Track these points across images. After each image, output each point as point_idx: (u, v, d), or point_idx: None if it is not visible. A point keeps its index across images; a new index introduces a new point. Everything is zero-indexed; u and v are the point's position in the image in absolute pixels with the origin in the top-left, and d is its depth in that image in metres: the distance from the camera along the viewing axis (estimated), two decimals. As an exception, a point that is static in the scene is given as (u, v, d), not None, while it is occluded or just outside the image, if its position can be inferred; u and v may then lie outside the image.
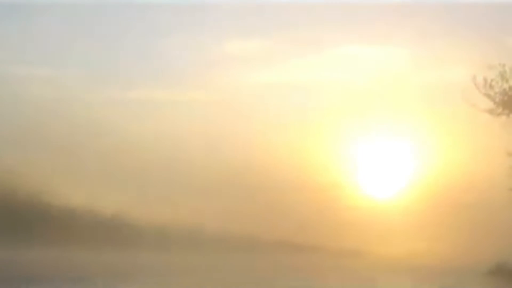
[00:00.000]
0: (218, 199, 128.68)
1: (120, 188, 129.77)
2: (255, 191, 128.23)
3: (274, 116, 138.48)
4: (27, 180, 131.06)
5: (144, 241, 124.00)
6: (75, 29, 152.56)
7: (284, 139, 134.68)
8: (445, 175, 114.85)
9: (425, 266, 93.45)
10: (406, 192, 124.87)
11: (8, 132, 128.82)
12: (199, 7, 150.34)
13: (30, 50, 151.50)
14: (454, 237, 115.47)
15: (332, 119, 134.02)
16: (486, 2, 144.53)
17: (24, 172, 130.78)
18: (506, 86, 58.43)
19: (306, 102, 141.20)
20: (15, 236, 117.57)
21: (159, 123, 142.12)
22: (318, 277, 71.32)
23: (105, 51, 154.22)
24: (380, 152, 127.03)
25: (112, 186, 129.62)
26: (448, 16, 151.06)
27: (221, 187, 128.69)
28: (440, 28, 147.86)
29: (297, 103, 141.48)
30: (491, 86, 59.10)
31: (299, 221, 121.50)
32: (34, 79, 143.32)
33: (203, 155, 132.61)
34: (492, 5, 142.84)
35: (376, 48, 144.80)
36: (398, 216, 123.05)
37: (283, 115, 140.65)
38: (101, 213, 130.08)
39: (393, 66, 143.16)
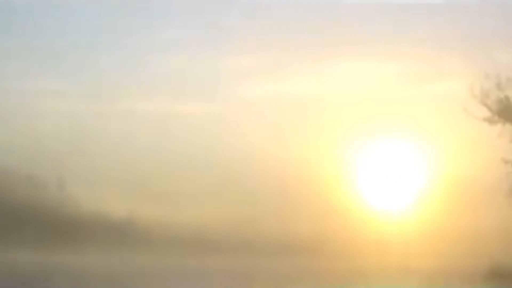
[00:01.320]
0: (225, 205, 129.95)
1: (129, 193, 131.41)
2: (257, 199, 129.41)
3: (275, 128, 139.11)
4: (38, 184, 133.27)
5: (153, 244, 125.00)
6: (72, 39, 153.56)
7: (285, 151, 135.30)
8: (443, 181, 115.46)
9: (423, 268, 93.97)
10: (405, 198, 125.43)
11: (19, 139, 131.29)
12: (199, 21, 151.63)
13: (37, 63, 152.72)
14: (452, 240, 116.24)
15: (333, 131, 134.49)
16: (482, 14, 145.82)
17: (35, 177, 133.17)
18: (502, 95, 59.29)
19: (307, 116, 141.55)
20: (24, 238, 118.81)
21: (167, 131, 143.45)
22: (320, 282, 71.82)
23: (105, 63, 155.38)
24: (380, 162, 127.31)
25: (122, 190, 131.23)
26: (445, 27, 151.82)
27: (227, 194, 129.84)
28: (437, 40, 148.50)
29: (297, 116, 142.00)
30: (487, 95, 59.90)
31: (301, 232, 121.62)
32: (45, 93, 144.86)
33: (207, 163, 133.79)
34: (488, 17, 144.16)
35: (375, 61, 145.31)
36: (398, 219, 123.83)
37: (283, 127, 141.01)
38: (112, 217, 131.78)
39: (392, 78, 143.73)
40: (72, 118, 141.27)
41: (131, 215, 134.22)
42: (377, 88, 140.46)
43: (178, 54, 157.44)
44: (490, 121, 60.16)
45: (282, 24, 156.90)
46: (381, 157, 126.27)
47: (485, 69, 61.31)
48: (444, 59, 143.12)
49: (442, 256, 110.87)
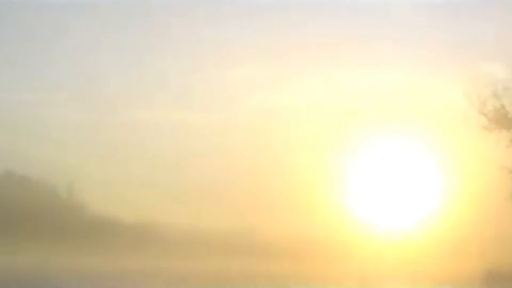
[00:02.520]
0: (229, 209, 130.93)
1: (136, 198, 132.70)
2: (260, 205, 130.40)
3: (277, 137, 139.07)
4: (49, 190, 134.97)
5: (161, 247, 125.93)
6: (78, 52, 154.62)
7: (287, 160, 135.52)
8: (440, 187, 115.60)
9: (421, 270, 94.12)
10: (403, 202, 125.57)
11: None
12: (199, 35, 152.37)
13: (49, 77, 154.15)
14: (450, 243, 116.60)
15: (330, 141, 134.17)
16: (480, 24, 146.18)
17: (46, 183, 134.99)
18: (498, 104, 59.70)
19: (304, 126, 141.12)
20: (35, 241, 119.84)
21: (172, 139, 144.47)
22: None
23: (111, 75, 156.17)
24: (377, 172, 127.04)
25: (130, 195, 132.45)
26: (441, 37, 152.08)
27: (231, 200, 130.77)
28: (432, 49, 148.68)
29: (296, 126, 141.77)
30: (484, 104, 60.29)
31: (297, 252, 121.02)
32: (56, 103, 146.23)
33: (210, 170, 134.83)
34: (484, 27, 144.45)
35: (374, 72, 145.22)
36: (397, 221, 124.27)
37: (283, 139, 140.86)
38: (120, 221, 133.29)
39: (391, 88, 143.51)
40: (81, 127, 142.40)
41: (139, 220, 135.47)
42: (376, 97, 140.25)
43: (180, 65, 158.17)
44: (488, 128, 60.63)
45: (281, 33, 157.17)
46: (379, 167, 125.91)
47: (482, 78, 61.84)
48: (442, 67, 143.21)
49: (439, 258, 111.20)
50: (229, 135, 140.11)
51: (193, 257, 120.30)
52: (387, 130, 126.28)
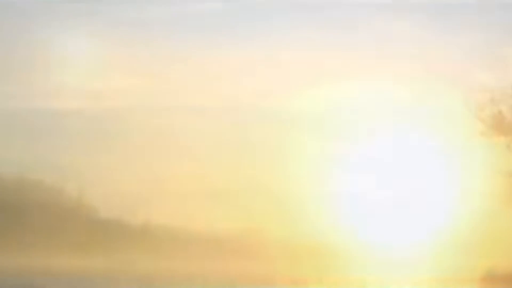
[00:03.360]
0: (237, 212, 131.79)
1: (144, 201, 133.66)
2: (264, 208, 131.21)
3: (276, 148, 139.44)
4: (58, 192, 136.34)
5: (167, 249, 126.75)
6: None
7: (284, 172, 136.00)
8: (438, 190, 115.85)
9: (420, 271, 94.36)
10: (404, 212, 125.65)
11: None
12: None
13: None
14: (450, 245, 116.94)
15: (332, 150, 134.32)
16: (479, 30, 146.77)
17: (57, 187, 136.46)
18: (495, 110, 60.37)
19: (312, 136, 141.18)
20: (46, 242, 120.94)
21: (178, 143, 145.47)
22: None
23: (117, 83, 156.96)
24: (375, 178, 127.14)
25: (138, 199, 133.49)
26: (440, 44, 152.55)
27: (237, 203, 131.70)
28: (431, 56, 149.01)
29: (301, 135, 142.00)
30: (482, 110, 60.94)
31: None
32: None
33: (215, 174, 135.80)
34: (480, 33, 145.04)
35: (372, 77, 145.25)
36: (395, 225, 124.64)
37: (281, 143, 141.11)
38: (128, 224, 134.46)
39: (389, 94, 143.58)
40: (89, 134, 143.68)
41: (147, 222, 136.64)
42: (374, 104, 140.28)
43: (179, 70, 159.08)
44: (485, 134, 61.30)
45: (282, 40, 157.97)
46: (377, 173, 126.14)
47: (480, 85, 62.58)
48: (440, 74, 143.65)
49: (440, 261, 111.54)
50: (228, 138, 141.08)
51: (194, 257, 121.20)
52: (384, 135, 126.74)
